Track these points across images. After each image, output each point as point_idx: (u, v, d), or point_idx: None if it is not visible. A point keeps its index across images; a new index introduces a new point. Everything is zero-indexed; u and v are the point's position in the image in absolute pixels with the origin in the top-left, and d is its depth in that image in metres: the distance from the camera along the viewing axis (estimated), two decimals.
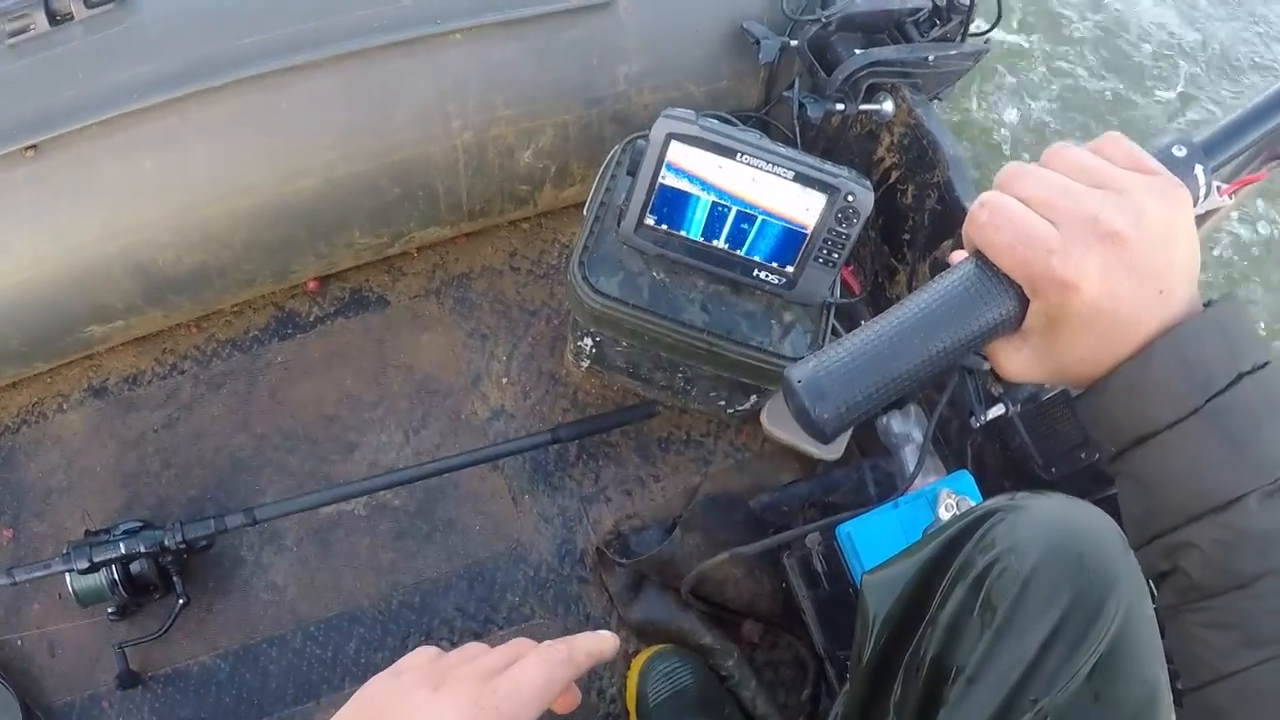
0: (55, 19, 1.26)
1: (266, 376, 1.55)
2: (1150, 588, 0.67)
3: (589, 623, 1.43)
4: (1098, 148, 0.58)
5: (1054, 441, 1.25)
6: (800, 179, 1.13)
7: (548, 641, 0.62)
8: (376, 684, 0.59)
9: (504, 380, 1.57)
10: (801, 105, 1.40)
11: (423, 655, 0.62)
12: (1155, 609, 0.63)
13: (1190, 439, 0.55)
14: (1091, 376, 0.58)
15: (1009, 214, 0.56)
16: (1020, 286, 0.56)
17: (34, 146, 1.24)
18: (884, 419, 1.48)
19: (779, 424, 1.47)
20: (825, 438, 0.58)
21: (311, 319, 1.60)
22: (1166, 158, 0.59)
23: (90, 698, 1.36)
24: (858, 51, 1.40)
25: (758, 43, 1.42)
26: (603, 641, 0.63)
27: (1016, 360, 0.60)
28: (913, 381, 0.56)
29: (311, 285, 1.60)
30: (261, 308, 1.60)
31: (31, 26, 1.26)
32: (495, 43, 1.38)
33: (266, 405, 1.53)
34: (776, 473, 1.51)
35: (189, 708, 1.36)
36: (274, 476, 1.49)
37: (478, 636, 1.40)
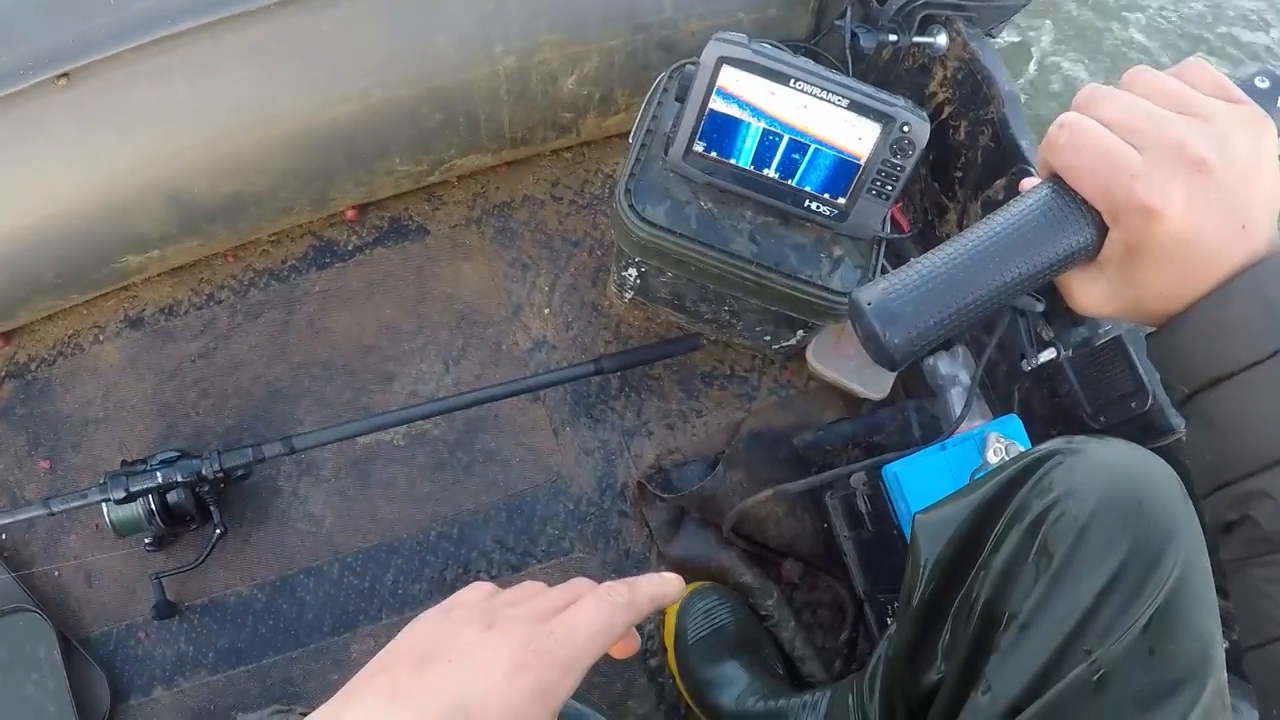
0: None
1: (304, 306, 1.54)
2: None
3: (628, 558, 1.42)
4: (1180, 73, 0.55)
5: (1104, 389, 1.22)
6: (855, 107, 1.09)
7: (608, 583, 0.59)
8: (427, 619, 0.56)
9: (545, 311, 1.55)
10: (854, 35, 1.36)
11: (476, 592, 0.59)
12: (1219, 561, 0.61)
13: (1268, 382, 0.52)
14: (1166, 313, 0.56)
15: (1090, 136, 0.53)
16: (1099, 213, 0.54)
17: (66, 75, 1.23)
18: (930, 360, 1.45)
19: (825, 361, 1.45)
20: (894, 364, 0.55)
21: (350, 248, 1.59)
22: (1250, 88, 0.56)
23: (127, 628, 1.38)
24: None
25: None
26: (666, 584, 0.60)
27: (1091, 292, 0.57)
28: (986, 309, 0.54)
29: (350, 214, 1.58)
30: (299, 236, 1.59)
31: None
32: None
33: (304, 335, 1.52)
34: (821, 411, 1.48)
35: (225, 637, 1.37)
36: (312, 406, 1.48)
37: (515, 570, 1.40)
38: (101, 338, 1.53)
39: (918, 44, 1.39)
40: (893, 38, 1.36)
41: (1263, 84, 0.56)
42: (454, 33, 1.34)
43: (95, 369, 1.51)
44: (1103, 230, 0.54)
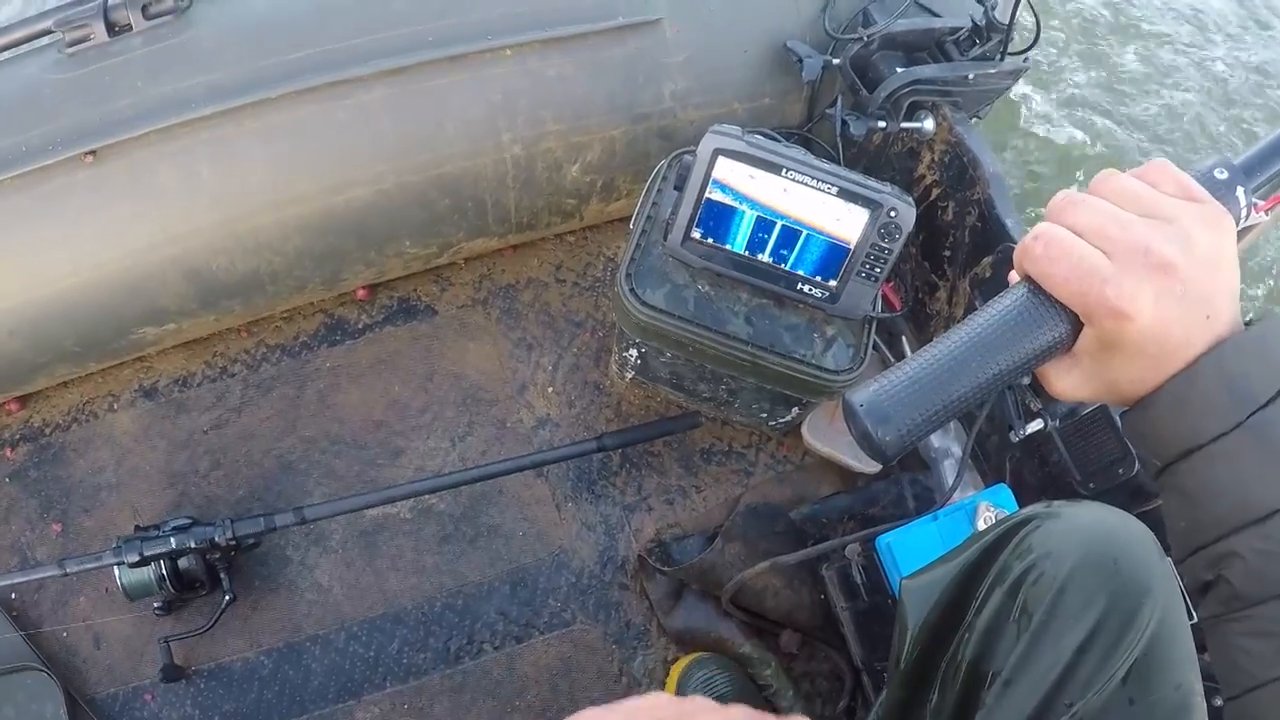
0: (114, 30, 1.32)
1: (315, 382, 1.59)
2: (1187, 603, 0.68)
3: (629, 630, 1.44)
4: (1144, 174, 0.59)
5: (1092, 456, 1.26)
6: (844, 194, 1.15)
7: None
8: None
9: (549, 390, 1.60)
10: (844, 123, 1.42)
11: (650, 700, 0.64)
12: (1197, 621, 0.64)
13: (1234, 452, 0.56)
14: (1139, 394, 0.60)
15: (1063, 245, 0.57)
16: (1073, 314, 0.58)
17: (93, 153, 1.29)
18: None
19: (820, 436, 1.49)
20: (886, 459, 0.59)
21: (360, 326, 1.64)
22: (1208, 180, 0.60)
23: (134, 690, 1.39)
24: (899, 70, 1.42)
25: (800, 61, 1.44)
26: None
27: (1067, 380, 0.62)
28: (970, 403, 0.58)
29: (361, 293, 1.64)
30: (311, 314, 1.64)
31: (91, 36, 1.31)
32: (544, 59, 1.41)
33: (315, 409, 1.57)
34: (817, 485, 1.52)
35: (231, 702, 1.39)
36: (321, 479, 1.52)
37: (519, 640, 1.43)
38: (116, 406, 1.57)
39: (906, 129, 1.46)
40: (881, 124, 1.42)
41: (1221, 175, 0.61)
42: (463, 122, 1.40)
43: (109, 436, 1.55)
44: (1077, 326, 0.58)
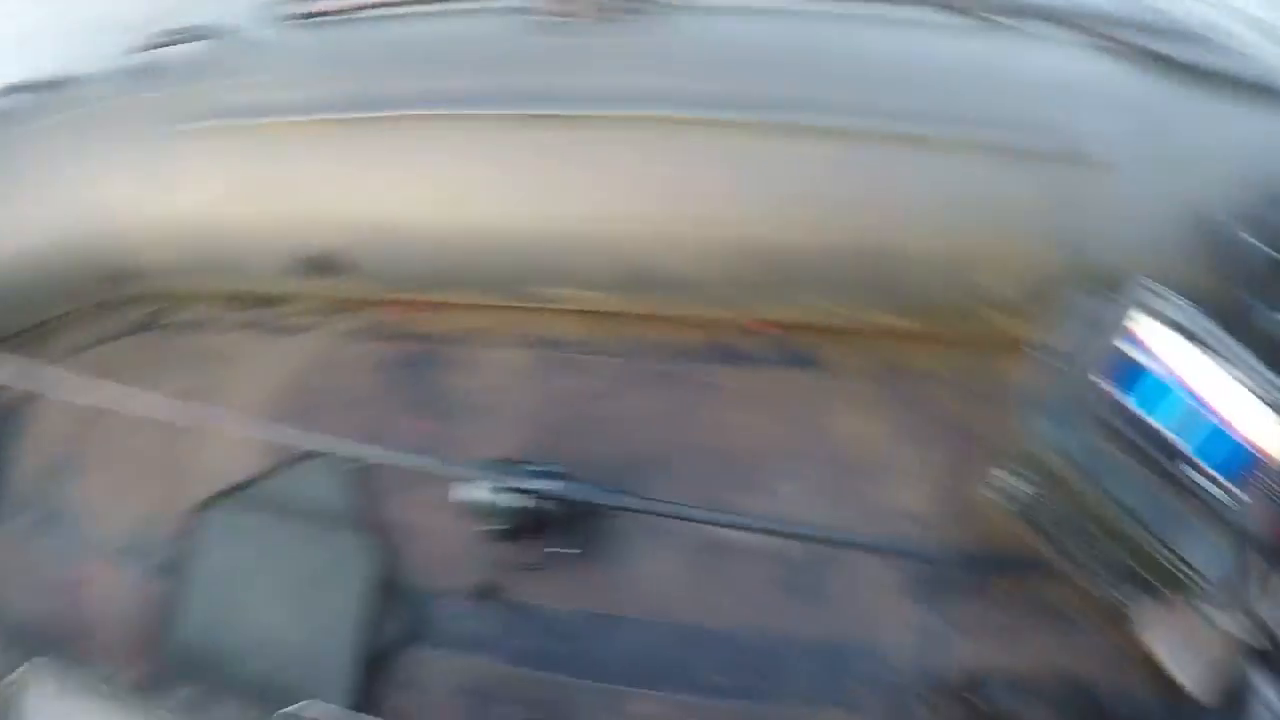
0: (601, 11, 1.48)
1: (701, 394, 1.66)
2: None
3: None
4: None
5: None
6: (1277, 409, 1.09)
7: None
8: None
9: (917, 481, 1.58)
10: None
11: None
12: None
13: None
14: None
15: None
16: None
17: (552, 117, 1.43)
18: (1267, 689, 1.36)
19: (1158, 636, 1.40)
20: None
21: (753, 357, 1.69)
22: None
23: (447, 594, 1.55)
24: None
25: (1243, 243, 1.35)
26: None
27: None
28: None
29: (762, 326, 1.68)
30: (716, 330, 1.70)
31: (576, 12, 1.47)
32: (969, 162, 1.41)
33: (693, 417, 1.65)
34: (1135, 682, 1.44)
35: (528, 641, 1.51)
36: (687, 481, 1.58)
37: (807, 704, 1.46)
38: (507, 343, 1.71)
39: None
40: None
41: None
42: (910, 205, 1.44)
43: (492, 365, 1.70)
44: None
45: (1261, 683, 1.34)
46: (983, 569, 1.48)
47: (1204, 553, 1.21)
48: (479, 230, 1.56)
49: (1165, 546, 1.21)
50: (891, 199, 1.44)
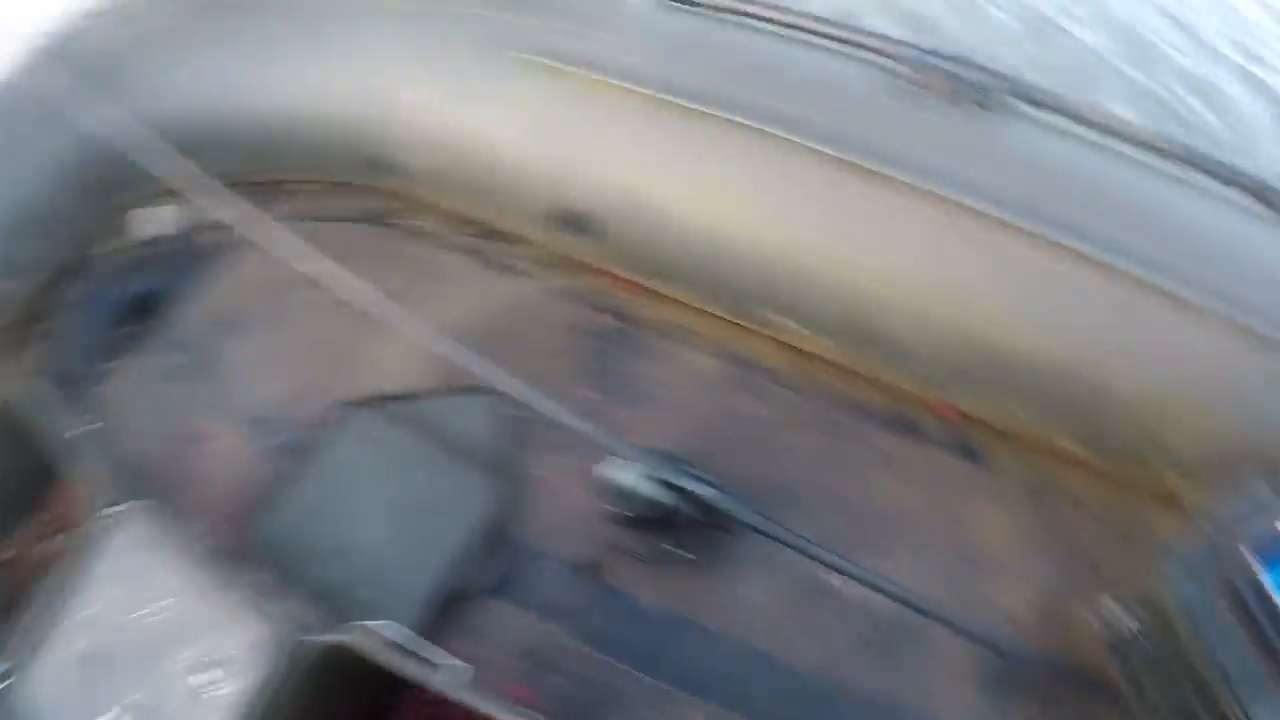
0: (949, 94, 1.57)
1: (860, 449, 1.73)
2: None
3: None
4: None
5: None
6: None
7: None
8: None
9: (1026, 585, 1.64)
10: None
11: None
12: None
13: None
14: None
15: None
16: None
17: (848, 163, 1.52)
18: None
19: None
20: None
21: (926, 435, 1.77)
22: None
23: (550, 557, 1.58)
24: None
25: None
26: None
27: None
28: None
29: (945, 410, 1.77)
30: (899, 397, 1.78)
31: (931, 86, 1.57)
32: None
33: (843, 468, 1.71)
34: None
35: (616, 624, 1.55)
36: (810, 519, 1.63)
37: None
38: (705, 350, 1.78)
39: None
40: None
41: None
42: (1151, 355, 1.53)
43: (685, 366, 1.75)
44: None
45: None
46: (1052, 677, 1.54)
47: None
48: (731, 240, 1.63)
49: (1238, 702, 1.30)
50: (1118, 337, 1.53)
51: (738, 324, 1.79)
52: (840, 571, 1.53)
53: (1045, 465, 1.76)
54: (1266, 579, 1.28)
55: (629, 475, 1.51)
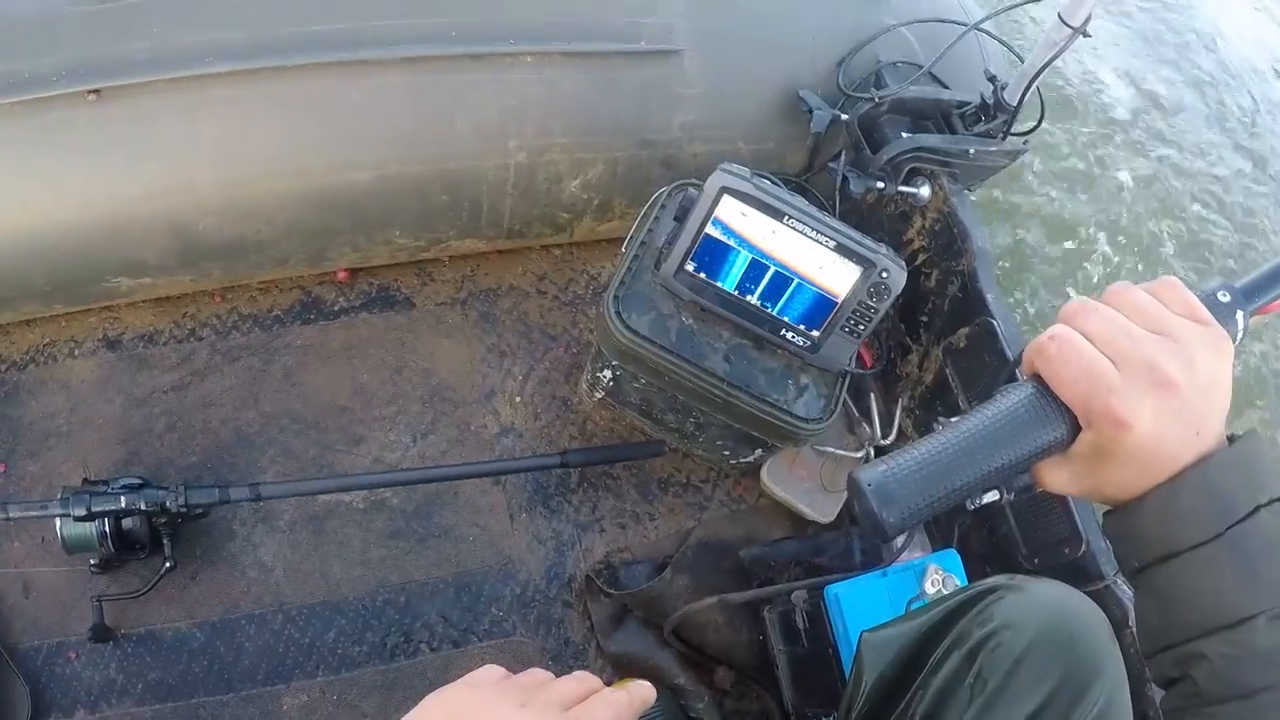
0: None
1: (283, 357, 1.58)
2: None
3: (568, 647, 1.45)
4: (1155, 290, 0.62)
5: (1041, 533, 1.29)
6: (840, 250, 1.18)
7: (608, 689, 0.64)
8: (453, 693, 0.60)
9: (517, 399, 1.60)
10: (845, 178, 1.45)
11: (495, 672, 0.64)
12: (1159, 709, 0.67)
13: (1210, 561, 0.59)
14: (1123, 498, 0.62)
15: (1076, 349, 0.60)
16: (1075, 415, 0.60)
17: (97, 91, 1.26)
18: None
19: (778, 481, 1.51)
20: (887, 539, 0.61)
21: (336, 308, 1.63)
22: (1211, 302, 0.63)
23: (58, 645, 1.36)
24: (904, 135, 1.45)
25: (810, 111, 1.47)
26: (649, 691, 0.66)
27: (1057, 476, 0.64)
28: (970, 492, 0.61)
29: (342, 275, 1.63)
30: (288, 289, 1.63)
31: None
32: (562, 71, 1.42)
33: (279, 386, 1.55)
34: (769, 527, 1.54)
35: (157, 671, 1.36)
36: (276, 457, 1.51)
37: (456, 645, 1.43)
38: (77, 353, 1.54)
39: (902, 193, 1.49)
40: (880, 185, 1.45)
41: (1224, 298, 0.64)
42: (474, 121, 1.41)
43: (65, 382, 1.51)
44: (1075, 429, 0.61)
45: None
46: (597, 461, 1.51)
47: (801, 398, 1.30)
48: (32, 232, 1.34)
49: (765, 403, 1.28)
50: (464, 119, 1.40)
51: (90, 310, 1.56)
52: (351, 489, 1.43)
53: (467, 270, 1.71)
54: (716, 280, 1.20)
55: (66, 528, 1.29)
